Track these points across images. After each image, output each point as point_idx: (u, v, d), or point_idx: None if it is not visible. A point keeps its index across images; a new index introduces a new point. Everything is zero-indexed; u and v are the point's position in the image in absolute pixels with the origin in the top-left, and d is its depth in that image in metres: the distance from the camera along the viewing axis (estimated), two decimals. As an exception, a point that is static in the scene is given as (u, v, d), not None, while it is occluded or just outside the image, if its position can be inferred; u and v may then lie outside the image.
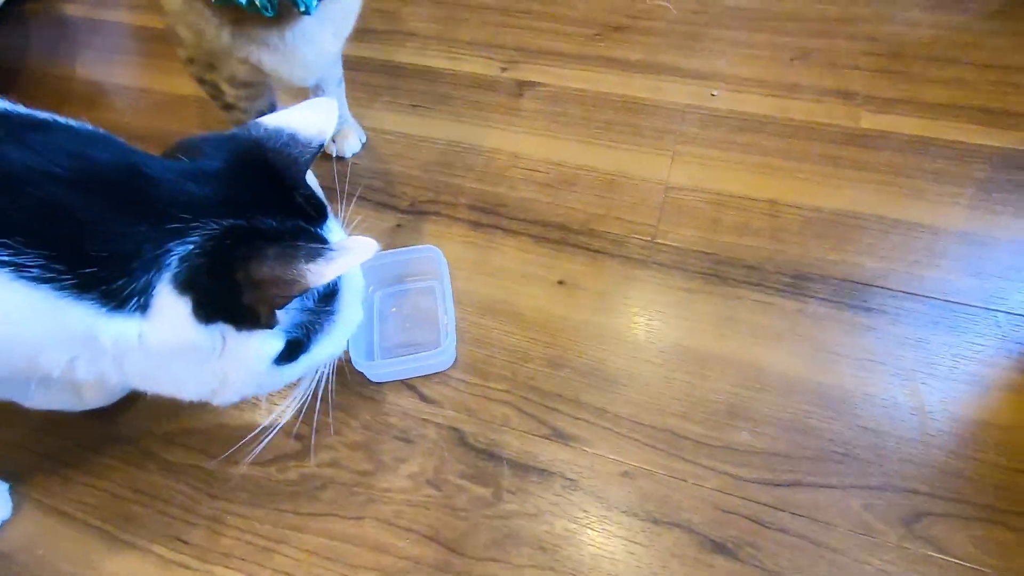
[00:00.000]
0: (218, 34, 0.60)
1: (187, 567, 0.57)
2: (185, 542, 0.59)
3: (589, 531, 0.57)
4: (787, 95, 0.90)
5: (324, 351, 0.47)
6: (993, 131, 0.82)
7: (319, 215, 0.46)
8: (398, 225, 0.81)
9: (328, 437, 0.64)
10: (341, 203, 0.84)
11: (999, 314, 0.66)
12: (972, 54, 0.91)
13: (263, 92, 0.74)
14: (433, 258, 0.72)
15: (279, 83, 0.73)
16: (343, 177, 0.88)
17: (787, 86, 0.91)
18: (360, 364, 0.64)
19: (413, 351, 0.69)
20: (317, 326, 0.45)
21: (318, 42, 0.64)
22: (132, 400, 0.67)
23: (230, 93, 0.70)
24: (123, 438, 0.65)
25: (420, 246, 0.73)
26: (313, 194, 0.46)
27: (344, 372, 0.67)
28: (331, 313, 0.46)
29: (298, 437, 0.64)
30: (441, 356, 0.65)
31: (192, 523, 0.59)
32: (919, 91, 0.88)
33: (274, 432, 0.59)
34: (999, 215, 0.74)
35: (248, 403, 0.67)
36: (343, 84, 0.87)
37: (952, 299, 0.68)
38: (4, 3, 1.21)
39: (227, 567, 0.57)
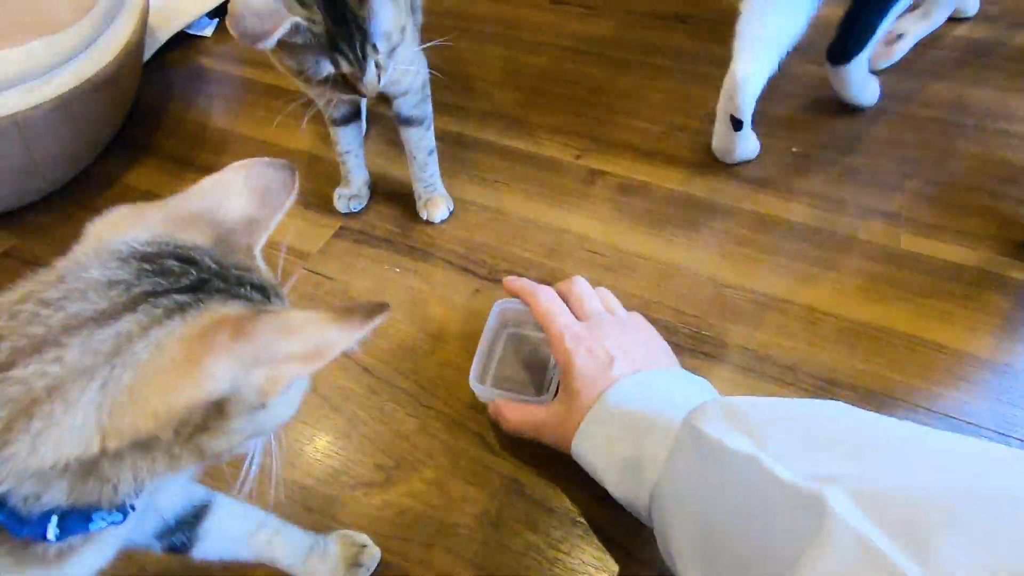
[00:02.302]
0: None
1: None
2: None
3: (623, 585, 0.66)
4: (833, 209, 1.00)
5: None
6: None
7: None
8: (476, 290, 0.94)
9: (407, 472, 0.75)
10: (431, 266, 0.97)
11: (1012, 440, 0.73)
12: (1010, 189, 0.99)
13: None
14: None
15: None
16: (431, 241, 1.02)
17: (834, 201, 1.01)
18: (474, 384, 0.77)
19: (516, 388, 0.81)
20: None
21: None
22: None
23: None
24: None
25: None
26: None
27: (425, 417, 0.79)
28: None
29: (381, 468, 0.76)
30: (544, 401, 0.77)
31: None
32: (959, 220, 0.97)
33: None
34: (1019, 346, 0.81)
35: (337, 430, 0.79)
36: (435, 154, 1.01)
37: (968, 420, 0.75)
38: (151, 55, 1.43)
39: None
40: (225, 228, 0.39)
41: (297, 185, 0.44)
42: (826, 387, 0.79)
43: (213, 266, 0.35)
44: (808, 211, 1.00)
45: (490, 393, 0.78)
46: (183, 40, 1.51)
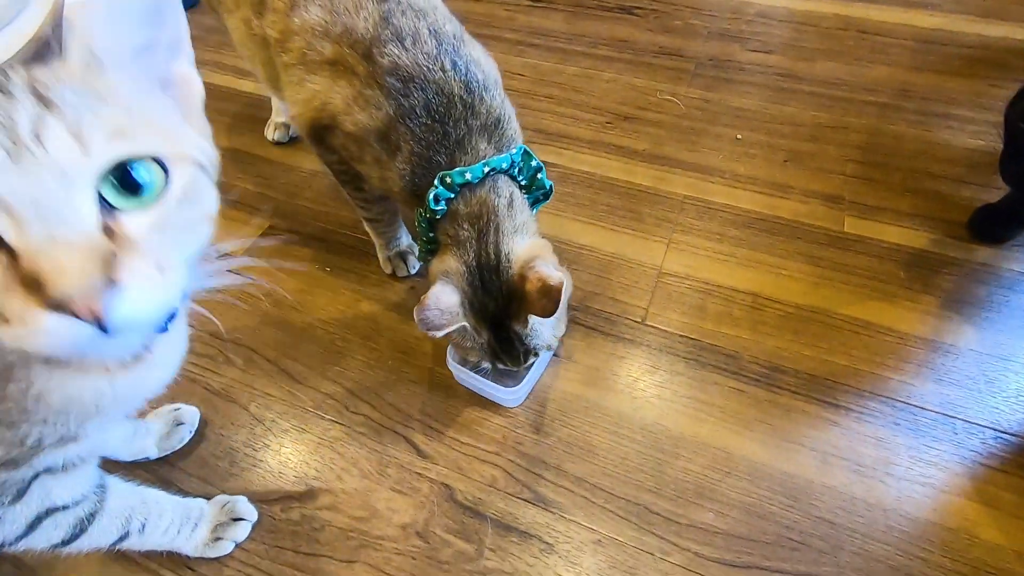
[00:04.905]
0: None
1: (191, 594, 0.63)
2: (192, 569, 0.64)
3: (560, 594, 0.61)
4: (778, 194, 0.98)
5: None
6: (965, 245, 0.89)
7: None
8: (411, 287, 0.89)
9: (330, 482, 0.70)
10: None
11: (956, 421, 0.71)
12: (950, 170, 0.99)
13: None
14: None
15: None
16: (367, 238, 0.96)
17: (778, 186, 0.99)
18: (452, 364, 0.75)
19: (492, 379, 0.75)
20: None
21: None
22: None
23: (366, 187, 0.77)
24: (142, 464, 0.71)
25: None
26: None
27: (351, 423, 0.74)
28: None
29: (301, 479, 0.70)
30: (515, 395, 0.73)
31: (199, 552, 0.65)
32: (899, 201, 0.95)
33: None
34: (963, 326, 0.80)
35: (257, 441, 0.73)
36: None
37: (914, 403, 0.73)
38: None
39: (227, 598, 0.62)
40: None
41: None
42: (770, 374, 0.76)
43: None
44: (753, 197, 0.98)
45: (467, 377, 0.75)
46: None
